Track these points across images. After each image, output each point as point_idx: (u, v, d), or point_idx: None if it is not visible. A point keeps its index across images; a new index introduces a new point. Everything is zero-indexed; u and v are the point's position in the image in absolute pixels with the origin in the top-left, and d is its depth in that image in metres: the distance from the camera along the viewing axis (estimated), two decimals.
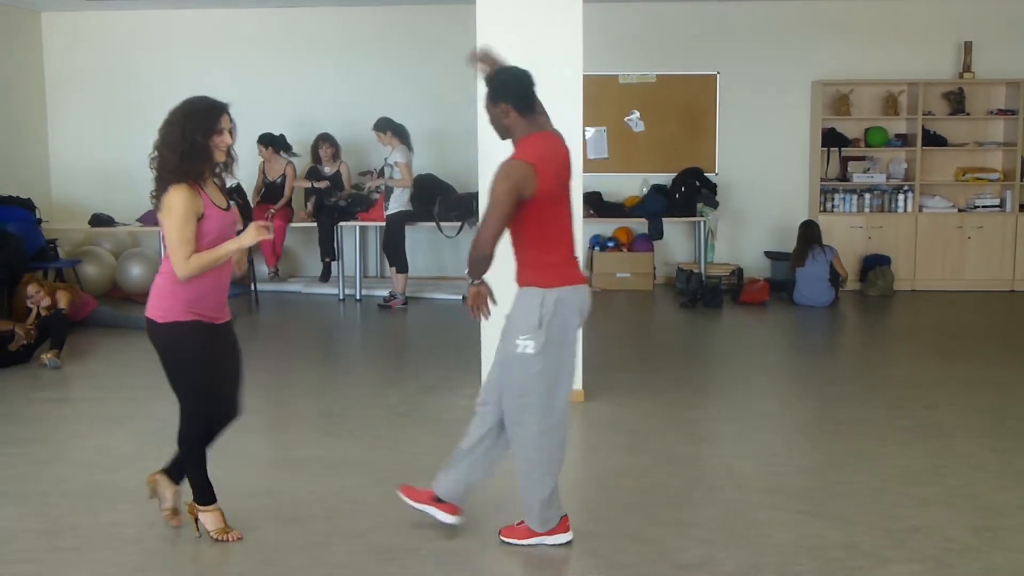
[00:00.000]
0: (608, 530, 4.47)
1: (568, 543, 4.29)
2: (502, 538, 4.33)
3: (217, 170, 4.23)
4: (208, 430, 4.32)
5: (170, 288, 4.13)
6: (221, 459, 4.67)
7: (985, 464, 5.34)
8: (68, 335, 7.99)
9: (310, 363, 8.14)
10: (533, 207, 4.04)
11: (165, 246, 4.17)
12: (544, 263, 4.12)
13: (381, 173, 10.06)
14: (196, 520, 4.37)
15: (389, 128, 10.00)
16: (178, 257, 4.02)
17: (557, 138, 4.29)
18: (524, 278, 4.16)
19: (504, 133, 4.28)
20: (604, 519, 4.62)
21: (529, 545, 4.27)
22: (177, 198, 4.02)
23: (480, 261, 4.08)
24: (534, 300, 4.07)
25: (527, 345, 4.05)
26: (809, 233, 10.42)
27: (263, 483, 5.03)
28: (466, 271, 4.18)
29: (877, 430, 5.96)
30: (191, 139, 4.05)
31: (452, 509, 4.38)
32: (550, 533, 4.27)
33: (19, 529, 4.48)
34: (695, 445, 5.78)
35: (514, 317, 4.13)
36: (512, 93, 4.19)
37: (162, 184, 4.08)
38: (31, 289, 8.43)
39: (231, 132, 4.16)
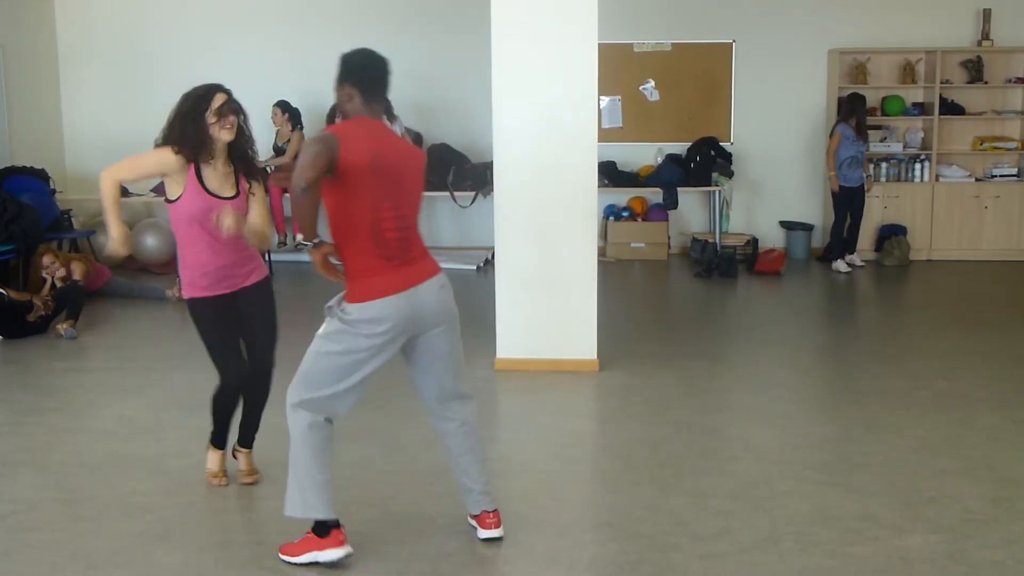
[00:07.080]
0: (624, 500, 4.46)
1: (346, 557, 3.80)
2: (280, 555, 3.87)
3: (249, 153, 4.38)
4: (230, 386, 4.53)
5: (180, 269, 4.40)
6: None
7: (1005, 435, 5.32)
8: (83, 305, 8.02)
9: None
10: (337, 191, 3.59)
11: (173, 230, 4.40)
12: (350, 272, 3.69)
13: None
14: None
15: None
16: (115, 167, 4.23)
17: (383, 126, 3.80)
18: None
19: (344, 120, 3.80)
20: (620, 489, 4.62)
21: (303, 564, 3.80)
22: (162, 152, 4.22)
23: (300, 201, 3.46)
24: (338, 296, 3.77)
25: (323, 327, 3.85)
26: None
27: (280, 452, 5.03)
28: (297, 236, 3.63)
29: (896, 401, 5.93)
30: (191, 118, 4.22)
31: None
32: (322, 546, 3.78)
33: (39, 498, 4.50)
34: (712, 415, 5.76)
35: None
36: (359, 75, 3.81)
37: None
38: (46, 260, 8.46)
39: (234, 110, 4.26)
